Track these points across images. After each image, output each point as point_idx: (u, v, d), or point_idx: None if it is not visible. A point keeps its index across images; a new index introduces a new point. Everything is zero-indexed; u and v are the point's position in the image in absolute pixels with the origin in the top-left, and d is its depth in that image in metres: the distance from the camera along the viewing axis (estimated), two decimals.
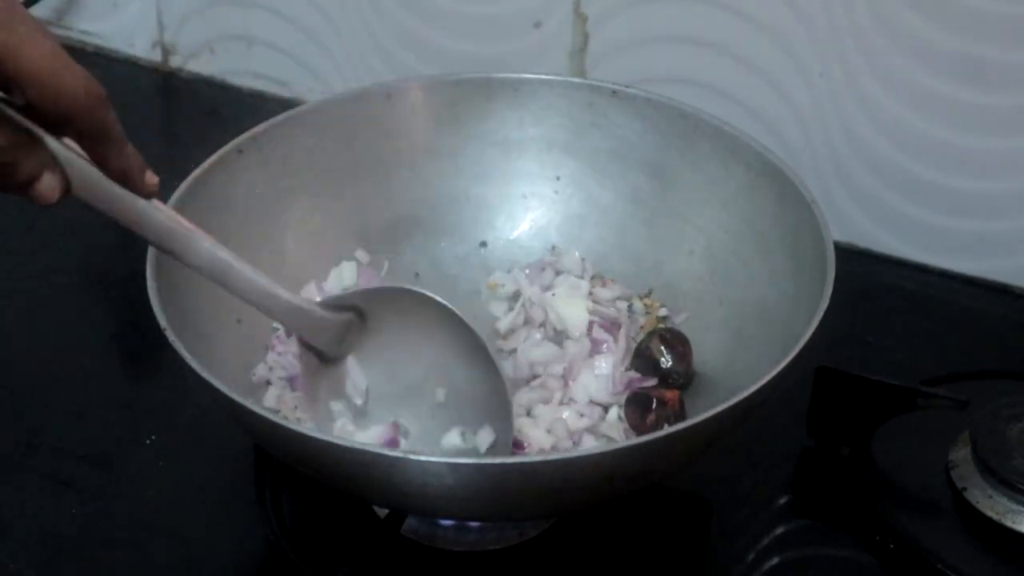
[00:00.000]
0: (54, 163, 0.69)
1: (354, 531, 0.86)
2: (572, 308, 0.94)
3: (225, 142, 0.94)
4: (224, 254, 0.78)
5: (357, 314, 0.84)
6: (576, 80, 1.02)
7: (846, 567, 0.87)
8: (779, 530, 0.89)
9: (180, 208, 0.87)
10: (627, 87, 0.98)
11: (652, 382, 0.90)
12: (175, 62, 1.31)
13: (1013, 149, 1.03)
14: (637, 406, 0.88)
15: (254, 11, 1.25)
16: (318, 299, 0.86)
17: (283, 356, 0.92)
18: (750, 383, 0.77)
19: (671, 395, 0.87)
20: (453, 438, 0.84)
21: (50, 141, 0.69)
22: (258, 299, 0.80)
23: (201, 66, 1.30)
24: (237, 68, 1.29)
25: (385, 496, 0.80)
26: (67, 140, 0.70)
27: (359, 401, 0.85)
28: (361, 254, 0.99)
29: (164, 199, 0.88)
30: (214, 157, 0.92)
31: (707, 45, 1.08)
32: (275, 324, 0.94)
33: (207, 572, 0.87)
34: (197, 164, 0.92)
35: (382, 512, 0.86)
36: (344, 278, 0.97)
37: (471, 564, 0.86)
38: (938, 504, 0.88)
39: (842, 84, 1.05)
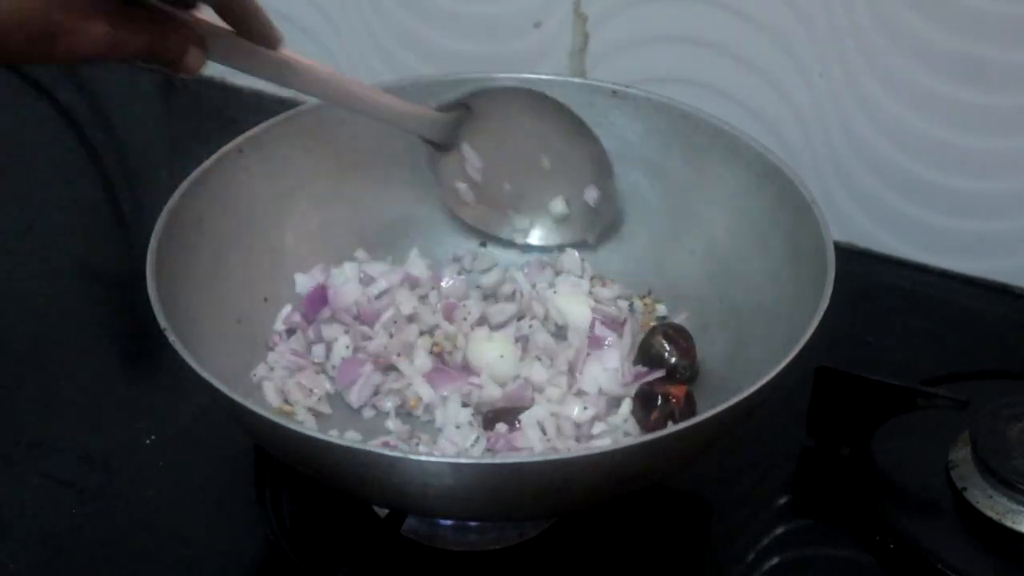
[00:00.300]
0: (195, 38, 0.81)
1: (354, 531, 0.86)
2: (574, 304, 0.95)
3: (225, 142, 0.94)
4: (349, 84, 0.91)
5: (466, 109, 0.96)
6: (576, 80, 1.02)
7: (846, 567, 0.87)
8: (779, 530, 0.89)
9: (181, 208, 0.88)
10: (627, 87, 0.98)
11: (660, 374, 0.90)
12: None
13: (1013, 149, 1.03)
14: (642, 402, 0.88)
15: None
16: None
17: (283, 356, 0.92)
18: (750, 383, 0.77)
19: (677, 391, 0.87)
20: (558, 205, 0.99)
21: (189, 19, 0.81)
22: (381, 113, 0.93)
23: None
24: None
25: (385, 496, 0.80)
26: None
27: (478, 177, 0.98)
28: (361, 254, 0.99)
29: (168, 195, 0.88)
30: (214, 157, 0.92)
31: (707, 45, 1.08)
32: (275, 325, 0.94)
33: (207, 572, 0.87)
34: (197, 164, 0.92)
35: (382, 512, 0.86)
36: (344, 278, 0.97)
37: (471, 564, 0.86)
38: (938, 504, 0.88)
39: (842, 84, 1.05)
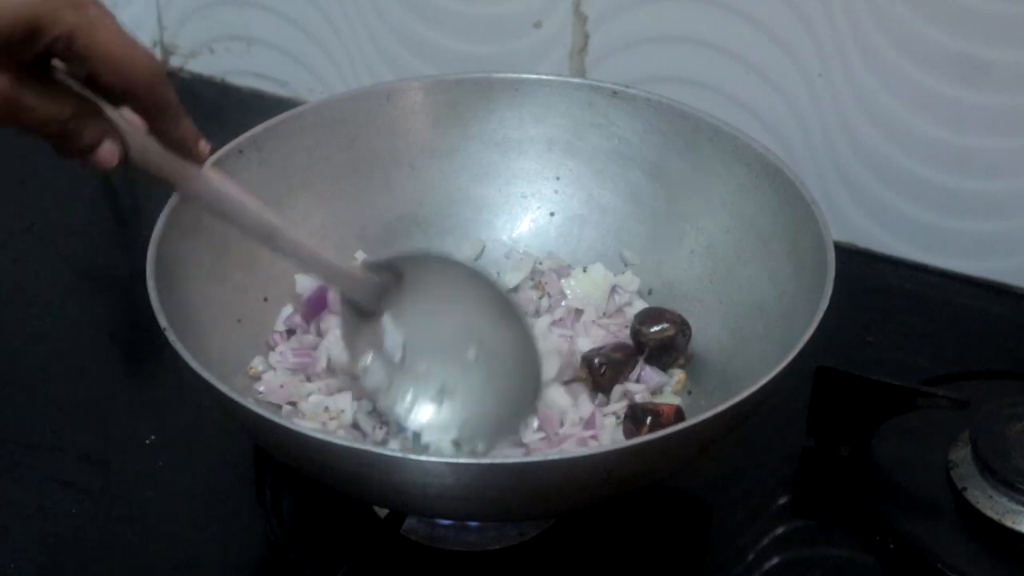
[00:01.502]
0: (114, 131, 0.74)
1: (354, 531, 0.86)
2: (593, 285, 0.96)
3: (225, 142, 0.94)
4: (272, 218, 0.82)
5: (394, 275, 0.86)
6: (576, 80, 1.02)
7: (846, 567, 0.87)
8: (779, 530, 0.89)
9: (181, 208, 0.88)
10: (627, 87, 0.98)
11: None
12: (175, 62, 1.31)
13: (1013, 149, 1.03)
14: (633, 420, 0.87)
15: (254, 11, 1.25)
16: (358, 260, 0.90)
17: (284, 356, 0.92)
18: (750, 383, 0.77)
19: (667, 408, 0.87)
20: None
21: (110, 111, 0.73)
22: (303, 260, 0.85)
23: (201, 66, 1.30)
24: (237, 68, 1.29)
25: (385, 496, 0.80)
26: (124, 111, 0.74)
27: (397, 356, 0.87)
28: (361, 254, 0.99)
29: (168, 195, 0.88)
30: (214, 157, 0.92)
31: (707, 45, 1.08)
32: (275, 325, 0.94)
33: (207, 572, 0.87)
34: None
35: (382, 512, 0.86)
36: None
37: (471, 564, 0.86)
38: (938, 504, 0.88)
39: (842, 84, 1.05)
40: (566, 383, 0.91)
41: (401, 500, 0.79)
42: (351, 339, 0.88)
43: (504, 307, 0.85)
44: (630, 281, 0.97)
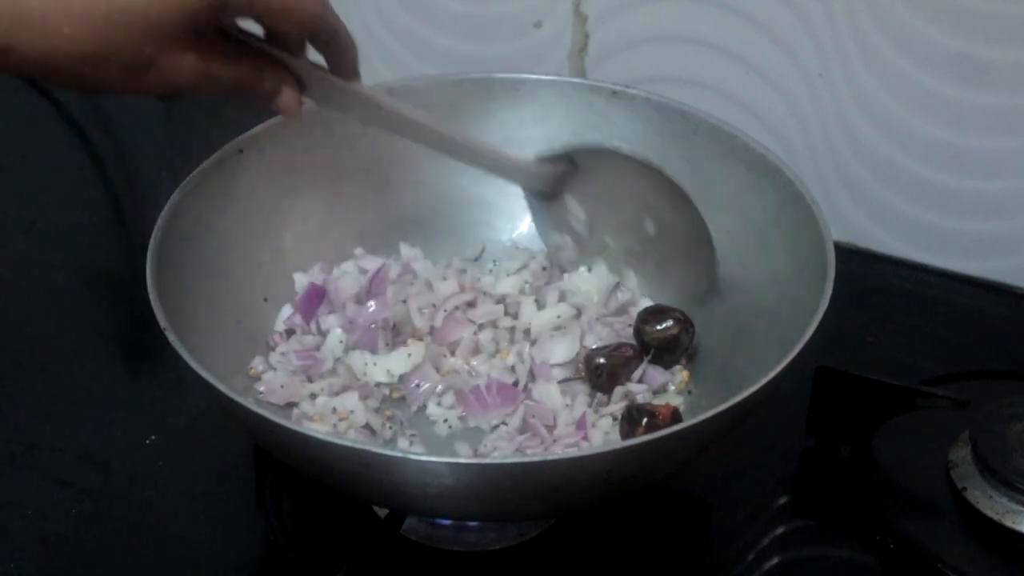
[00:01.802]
0: (290, 79, 0.82)
1: (354, 531, 0.86)
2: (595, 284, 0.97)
3: (225, 142, 0.94)
4: (450, 130, 0.90)
5: (570, 162, 0.94)
6: (576, 80, 1.02)
7: (846, 567, 0.87)
8: (779, 530, 0.89)
9: (181, 207, 0.88)
10: (627, 87, 0.98)
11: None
12: None
13: (1013, 149, 1.03)
14: (628, 421, 0.87)
15: None
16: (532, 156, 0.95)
17: (286, 356, 0.92)
18: (750, 383, 0.77)
19: (663, 409, 0.87)
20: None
21: (287, 59, 0.82)
22: (483, 160, 0.92)
23: None
24: None
25: (385, 496, 0.80)
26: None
27: (582, 230, 0.96)
28: (361, 254, 0.99)
29: (168, 195, 0.88)
30: (214, 157, 0.92)
31: (707, 45, 1.08)
32: (275, 325, 0.94)
33: (207, 572, 0.87)
34: (197, 164, 0.92)
35: (382, 512, 0.86)
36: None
37: (471, 564, 0.86)
38: (938, 504, 0.88)
39: (842, 84, 1.05)
40: (564, 381, 0.91)
41: (401, 500, 0.79)
42: (539, 222, 0.97)
43: (675, 191, 0.91)
44: (632, 279, 0.97)
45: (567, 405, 0.90)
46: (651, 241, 0.95)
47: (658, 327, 0.92)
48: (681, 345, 0.92)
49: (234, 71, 0.79)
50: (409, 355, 0.93)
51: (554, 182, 0.94)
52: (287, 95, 0.82)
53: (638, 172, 0.92)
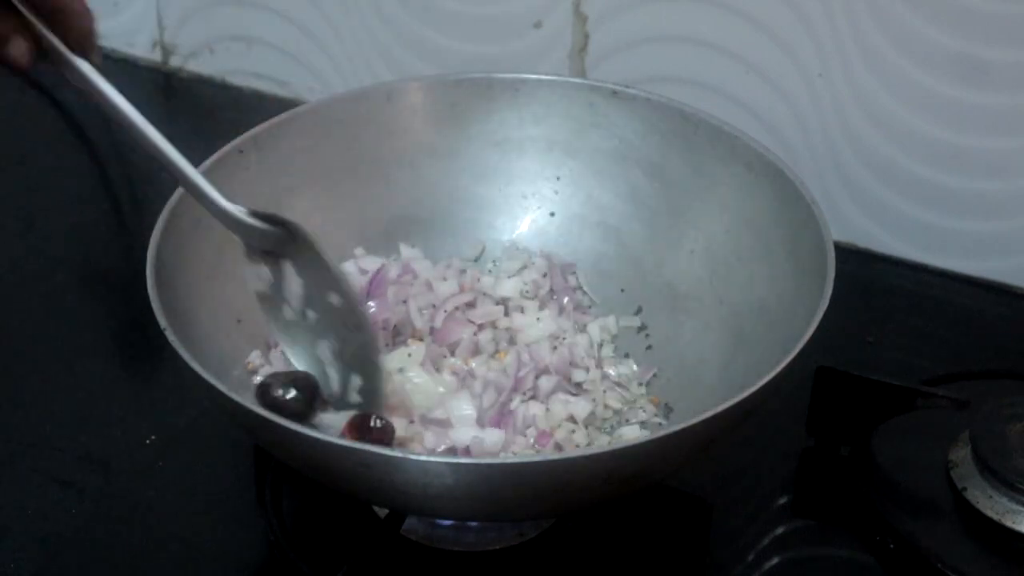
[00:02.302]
0: (24, 28, 0.75)
1: (354, 531, 0.86)
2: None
3: (225, 142, 0.94)
4: (163, 147, 0.82)
5: (287, 231, 0.85)
6: (576, 80, 1.02)
7: (846, 567, 0.87)
8: (779, 530, 0.89)
9: (181, 208, 0.88)
10: (627, 87, 0.98)
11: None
12: (175, 62, 1.31)
13: (1013, 149, 1.03)
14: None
15: (254, 11, 1.25)
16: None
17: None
18: (750, 383, 0.77)
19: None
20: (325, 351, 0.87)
21: (17, 5, 0.75)
22: (191, 190, 0.84)
23: (201, 66, 1.30)
24: (237, 68, 1.29)
25: (385, 496, 0.80)
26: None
27: (295, 304, 0.87)
28: (361, 254, 0.99)
29: (168, 195, 0.88)
30: (214, 157, 0.92)
31: (707, 45, 1.08)
32: None
33: (207, 572, 0.87)
34: (197, 164, 0.91)
35: (382, 512, 0.86)
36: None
37: (471, 564, 0.86)
38: (938, 504, 0.88)
39: (842, 84, 1.05)
40: None
41: (401, 500, 0.79)
42: (254, 262, 0.87)
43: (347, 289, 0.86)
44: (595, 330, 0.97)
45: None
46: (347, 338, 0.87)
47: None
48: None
49: None
50: (409, 355, 0.92)
51: (268, 245, 0.86)
52: (17, 45, 0.75)
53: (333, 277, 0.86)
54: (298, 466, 0.81)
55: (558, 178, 1.01)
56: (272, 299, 0.88)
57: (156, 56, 1.32)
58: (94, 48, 0.79)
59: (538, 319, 0.95)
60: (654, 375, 0.94)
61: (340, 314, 0.86)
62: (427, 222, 1.01)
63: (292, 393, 0.85)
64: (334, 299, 0.86)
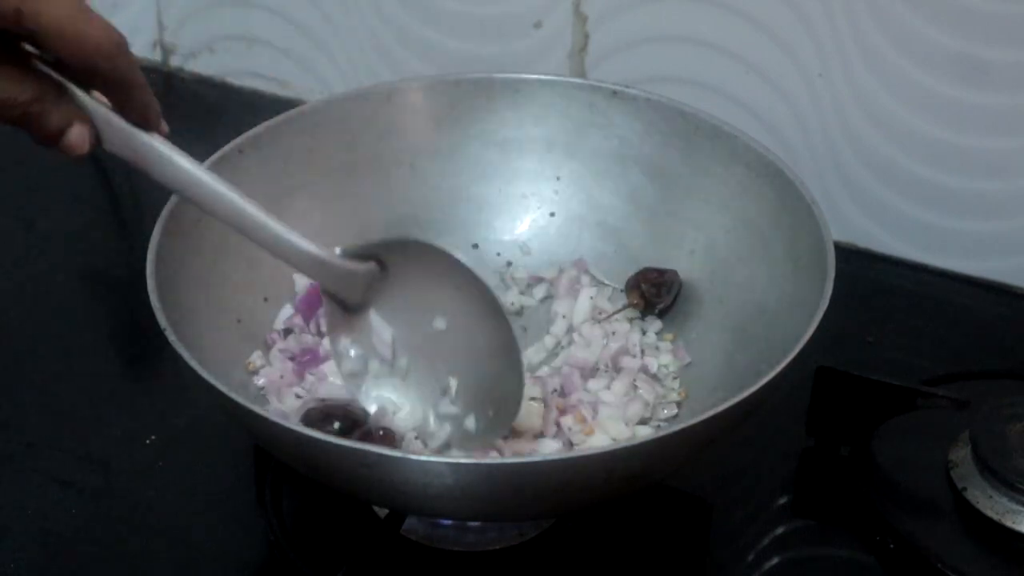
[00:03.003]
0: (83, 114, 0.72)
1: (354, 531, 0.86)
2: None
3: (225, 142, 0.94)
4: (246, 203, 0.79)
5: (379, 264, 0.83)
6: (576, 80, 1.02)
7: (846, 567, 0.87)
8: (779, 530, 0.89)
9: (181, 208, 0.88)
10: (627, 87, 0.98)
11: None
12: (175, 62, 1.31)
13: (1013, 149, 1.03)
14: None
15: (254, 11, 1.25)
16: (337, 250, 0.83)
17: (285, 353, 0.92)
18: (750, 383, 0.77)
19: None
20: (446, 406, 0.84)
21: (78, 92, 0.72)
22: (279, 248, 0.80)
23: (201, 66, 1.30)
24: (237, 68, 1.29)
25: (385, 496, 0.80)
26: (97, 95, 0.72)
27: (387, 353, 0.84)
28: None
29: (168, 195, 0.88)
30: (214, 157, 0.92)
31: (707, 45, 1.08)
32: (275, 324, 0.94)
33: (207, 572, 0.87)
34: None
35: (382, 512, 0.86)
36: None
37: (471, 564, 0.86)
38: (938, 504, 0.88)
39: (842, 84, 1.05)
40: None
41: (401, 500, 0.79)
42: (335, 334, 0.85)
43: (488, 306, 0.81)
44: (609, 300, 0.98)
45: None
46: (457, 369, 0.84)
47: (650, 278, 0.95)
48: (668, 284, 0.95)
49: (13, 89, 0.69)
50: None
51: (363, 289, 0.83)
52: (76, 134, 0.72)
53: (451, 277, 0.81)
54: (298, 466, 0.81)
55: (558, 178, 1.01)
56: (362, 370, 0.85)
57: (156, 56, 1.32)
58: (159, 118, 0.76)
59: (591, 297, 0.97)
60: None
61: (452, 340, 0.83)
62: (427, 222, 1.01)
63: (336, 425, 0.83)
64: (439, 323, 0.83)
